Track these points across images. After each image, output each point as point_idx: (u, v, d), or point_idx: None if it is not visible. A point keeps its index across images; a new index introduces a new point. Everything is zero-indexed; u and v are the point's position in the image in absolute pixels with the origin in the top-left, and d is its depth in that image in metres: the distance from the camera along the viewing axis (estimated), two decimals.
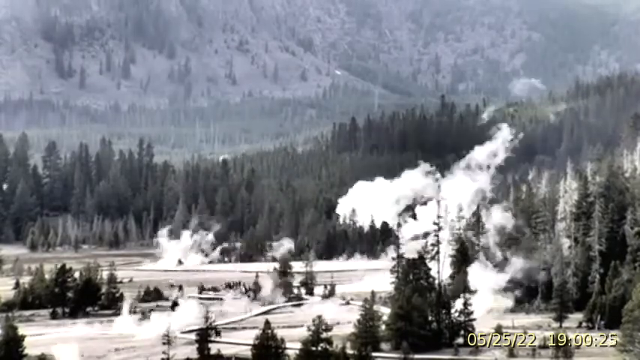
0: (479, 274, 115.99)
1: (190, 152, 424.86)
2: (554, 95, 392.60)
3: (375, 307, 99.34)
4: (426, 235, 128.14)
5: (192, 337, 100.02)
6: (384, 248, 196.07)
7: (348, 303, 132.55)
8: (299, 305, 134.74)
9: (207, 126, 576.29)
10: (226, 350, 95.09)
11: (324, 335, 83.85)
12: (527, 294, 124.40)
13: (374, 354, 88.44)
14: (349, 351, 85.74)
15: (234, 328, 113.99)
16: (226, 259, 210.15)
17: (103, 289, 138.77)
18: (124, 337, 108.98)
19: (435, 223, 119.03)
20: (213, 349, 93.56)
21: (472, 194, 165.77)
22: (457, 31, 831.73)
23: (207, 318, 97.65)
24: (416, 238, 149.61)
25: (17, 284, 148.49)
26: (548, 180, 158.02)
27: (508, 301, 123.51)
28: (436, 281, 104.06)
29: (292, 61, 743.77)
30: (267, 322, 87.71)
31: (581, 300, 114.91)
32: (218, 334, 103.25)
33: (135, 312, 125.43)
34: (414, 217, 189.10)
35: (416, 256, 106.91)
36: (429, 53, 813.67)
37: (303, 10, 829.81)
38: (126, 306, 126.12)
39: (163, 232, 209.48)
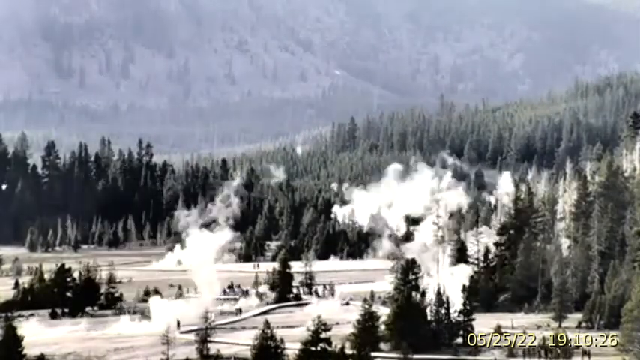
0: None
1: (190, 152, 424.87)
2: (553, 95, 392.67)
3: (374, 307, 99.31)
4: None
5: (192, 337, 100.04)
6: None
7: (347, 303, 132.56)
8: (299, 305, 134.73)
9: (206, 126, 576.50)
10: (226, 350, 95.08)
11: (323, 335, 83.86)
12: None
13: (373, 354, 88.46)
14: (348, 351, 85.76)
15: (234, 328, 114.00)
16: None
17: (103, 289, 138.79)
18: (123, 337, 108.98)
19: (434, 223, 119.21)
20: (213, 349, 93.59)
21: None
22: (456, 31, 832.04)
23: (206, 318, 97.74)
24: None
25: (17, 284, 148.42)
26: (547, 180, 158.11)
27: None
28: (435, 281, 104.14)
29: (291, 61, 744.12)
30: (267, 322, 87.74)
31: (580, 300, 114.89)
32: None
33: (134, 312, 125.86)
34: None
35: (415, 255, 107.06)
36: (428, 53, 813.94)
37: (303, 9, 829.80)
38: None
39: None
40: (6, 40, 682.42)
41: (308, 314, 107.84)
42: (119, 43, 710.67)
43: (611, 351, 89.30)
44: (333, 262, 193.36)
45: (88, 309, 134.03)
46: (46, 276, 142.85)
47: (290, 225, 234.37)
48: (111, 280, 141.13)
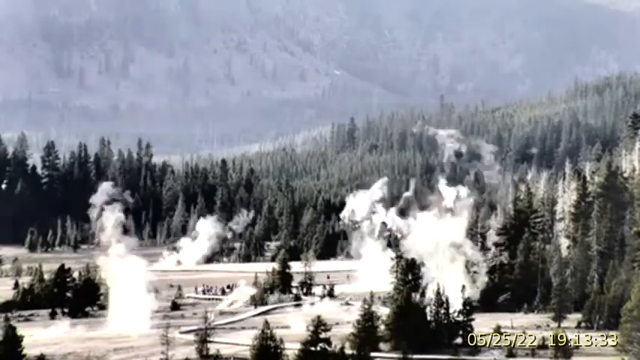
0: None
1: (189, 152, 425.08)
2: (553, 95, 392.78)
3: (374, 307, 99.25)
4: None
5: (192, 337, 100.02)
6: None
7: (347, 303, 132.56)
8: (298, 305, 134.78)
9: (206, 126, 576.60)
10: (226, 350, 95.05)
11: (322, 335, 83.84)
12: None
13: (373, 354, 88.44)
14: (348, 351, 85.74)
15: (234, 329, 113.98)
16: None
17: (102, 289, 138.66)
18: (123, 336, 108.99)
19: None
20: (212, 349, 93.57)
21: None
22: (456, 30, 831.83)
23: (206, 318, 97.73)
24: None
25: (16, 284, 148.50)
26: (546, 180, 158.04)
27: None
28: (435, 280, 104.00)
29: (291, 61, 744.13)
30: (266, 322, 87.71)
31: (580, 300, 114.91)
32: None
33: None
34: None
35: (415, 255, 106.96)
36: (427, 53, 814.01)
37: (302, 9, 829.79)
38: None
39: None
40: (6, 40, 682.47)
41: (307, 314, 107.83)
42: (119, 43, 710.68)
43: (610, 351, 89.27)
44: (333, 263, 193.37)
45: (88, 309, 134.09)
46: (46, 276, 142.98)
47: (290, 225, 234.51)
48: None
